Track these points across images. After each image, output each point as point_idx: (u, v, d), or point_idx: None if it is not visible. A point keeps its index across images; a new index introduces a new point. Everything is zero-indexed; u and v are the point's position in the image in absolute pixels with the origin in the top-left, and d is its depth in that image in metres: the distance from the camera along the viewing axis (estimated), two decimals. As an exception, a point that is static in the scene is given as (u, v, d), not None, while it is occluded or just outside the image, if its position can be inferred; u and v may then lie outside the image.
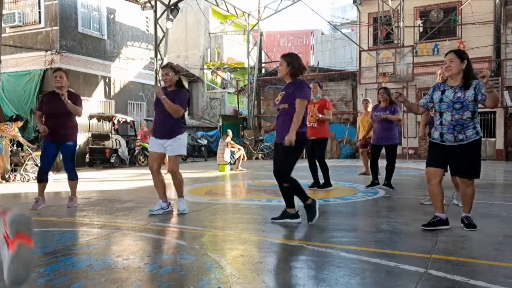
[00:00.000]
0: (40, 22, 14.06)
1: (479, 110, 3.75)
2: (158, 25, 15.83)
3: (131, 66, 16.88)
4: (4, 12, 12.31)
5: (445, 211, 3.81)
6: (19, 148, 10.58)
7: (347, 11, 32.40)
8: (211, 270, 2.69)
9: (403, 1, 16.92)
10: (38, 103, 6.10)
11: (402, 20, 17.14)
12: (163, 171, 5.15)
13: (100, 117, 14.33)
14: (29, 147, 9.51)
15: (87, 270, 2.69)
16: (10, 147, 9.76)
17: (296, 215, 4.11)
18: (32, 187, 7.02)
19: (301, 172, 7.46)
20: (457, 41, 17.00)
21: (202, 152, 18.56)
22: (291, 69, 4.03)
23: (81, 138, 13.80)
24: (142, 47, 17.55)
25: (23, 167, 9.39)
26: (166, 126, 4.60)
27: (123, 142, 14.02)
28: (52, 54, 13.80)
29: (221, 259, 2.89)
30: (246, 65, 21.59)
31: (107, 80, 15.82)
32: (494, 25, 16.82)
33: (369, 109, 8.76)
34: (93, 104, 15.06)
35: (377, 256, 2.93)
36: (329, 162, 7.17)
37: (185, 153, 4.79)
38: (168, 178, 4.94)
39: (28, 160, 9.49)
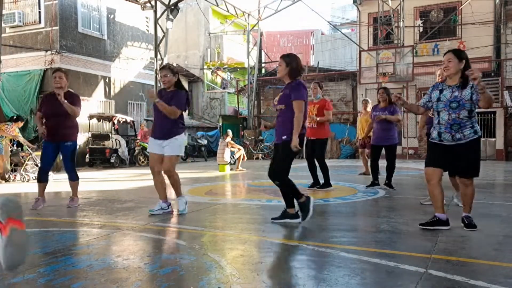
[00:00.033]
0: (40, 22, 14.07)
1: (479, 110, 3.74)
2: (158, 25, 15.82)
3: (131, 66, 16.89)
4: (4, 12, 12.31)
5: (445, 211, 3.80)
6: (19, 148, 10.58)
7: (347, 11, 32.43)
8: (211, 270, 2.69)
9: (403, 1, 16.92)
10: (39, 103, 6.10)
11: (402, 20, 17.14)
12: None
13: (100, 117, 14.34)
14: (29, 147, 9.50)
15: (87, 270, 2.69)
16: (10, 147, 9.75)
17: (296, 215, 4.11)
18: (32, 187, 7.01)
19: (301, 172, 7.46)
20: (457, 41, 17.00)
21: (202, 152, 18.55)
22: (289, 69, 4.05)
23: (81, 138, 13.79)
24: (142, 47, 17.56)
25: (23, 167, 9.39)
26: (164, 127, 4.61)
27: (123, 142, 14.02)
28: (52, 54, 13.81)
29: (221, 259, 2.89)
30: (246, 65, 21.59)
31: (107, 80, 15.83)
32: (494, 25, 16.81)
33: (369, 109, 8.77)
34: (93, 104, 15.07)
35: (377, 256, 2.93)
36: (329, 162, 7.17)
37: (182, 153, 4.80)
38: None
39: (28, 160, 9.49)
